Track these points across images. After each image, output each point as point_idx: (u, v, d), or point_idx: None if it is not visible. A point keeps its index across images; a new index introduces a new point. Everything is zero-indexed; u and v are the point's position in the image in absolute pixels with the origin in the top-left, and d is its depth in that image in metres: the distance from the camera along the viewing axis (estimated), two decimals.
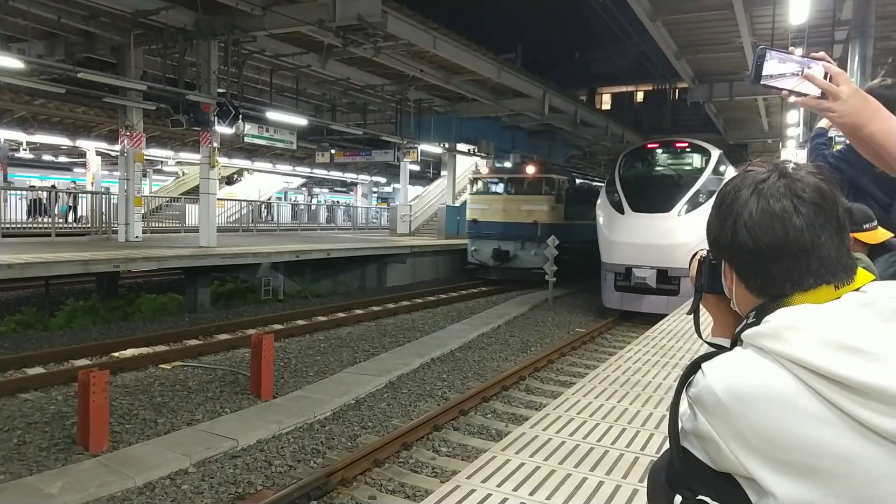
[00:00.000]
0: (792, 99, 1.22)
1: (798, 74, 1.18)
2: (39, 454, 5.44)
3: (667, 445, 0.99)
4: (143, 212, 15.89)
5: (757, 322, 0.88)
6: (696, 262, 1.15)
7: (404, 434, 6.00)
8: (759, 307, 0.91)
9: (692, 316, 1.20)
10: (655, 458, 3.62)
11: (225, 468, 5.33)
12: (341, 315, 12.37)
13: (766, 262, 0.89)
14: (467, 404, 7.07)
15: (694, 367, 0.89)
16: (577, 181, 20.87)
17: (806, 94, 1.18)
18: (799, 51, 1.21)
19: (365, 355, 9.29)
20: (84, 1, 12.02)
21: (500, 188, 19.08)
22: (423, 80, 18.71)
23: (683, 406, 0.91)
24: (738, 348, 0.90)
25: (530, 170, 18.60)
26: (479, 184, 19.57)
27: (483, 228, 18.47)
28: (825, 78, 1.17)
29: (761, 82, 1.19)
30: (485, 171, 20.25)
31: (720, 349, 0.96)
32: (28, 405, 6.65)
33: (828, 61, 1.18)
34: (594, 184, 21.38)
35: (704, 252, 1.11)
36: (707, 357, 0.89)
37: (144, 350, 8.99)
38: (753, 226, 0.89)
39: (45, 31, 14.05)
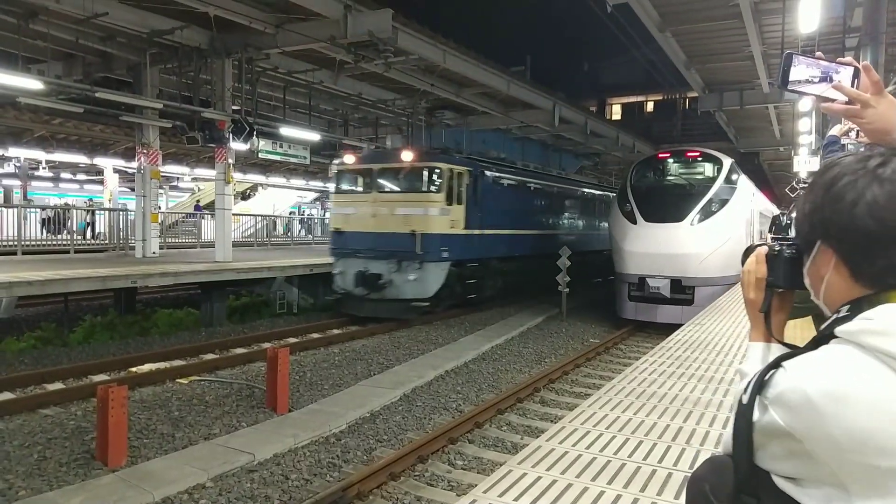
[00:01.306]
0: (820, 105, 1.23)
1: (825, 80, 1.17)
2: (59, 469, 5.50)
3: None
4: (159, 228, 16.10)
5: (850, 317, 0.85)
6: (754, 259, 1.10)
7: (420, 447, 6.00)
8: (855, 302, 0.87)
9: (762, 316, 1.13)
10: (674, 471, 3.62)
11: (242, 482, 5.36)
12: (355, 328, 12.41)
13: (889, 247, 0.85)
14: (482, 417, 7.07)
15: (773, 366, 0.86)
16: (495, 174, 15.44)
17: (833, 100, 1.19)
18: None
19: (379, 368, 9.31)
20: (101, 22, 12.26)
21: (368, 184, 13.68)
22: (433, 94, 18.86)
23: (754, 409, 0.88)
24: (831, 345, 0.86)
25: (406, 156, 13.00)
26: (344, 178, 14.19)
27: (349, 242, 13.34)
28: (853, 85, 1.16)
29: (788, 87, 1.19)
30: (351, 160, 14.23)
31: (795, 349, 0.93)
32: (48, 421, 6.73)
33: (855, 66, 1.18)
34: (540, 182, 18.22)
35: (776, 246, 1.06)
36: (788, 356, 0.86)
37: (162, 365, 9.06)
38: (880, 209, 0.85)
39: (63, 51, 14.35)
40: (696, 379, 5.69)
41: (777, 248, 1.05)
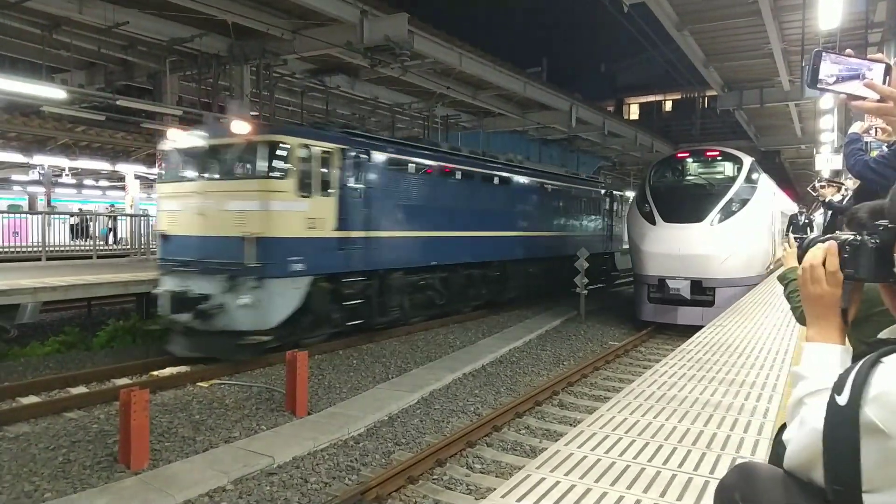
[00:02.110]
0: (851, 103, 1.19)
1: (855, 77, 1.14)
2: (83, 472, 5.59)
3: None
4: None
5: None
6: (821, 252, 1.05)
7: (438, 450, 6.00)
8: None
9: (836, 312, 1.06)
10: (694, 475, 3.58)
11: (262, 485, 5.39)
12: (372, 330, 12.42)
13: None
14: (500, 420, 7.04)
15: (870, 363, 0.82)
16: (393, 156, 11.77)
17: (865, 98, 1.16)
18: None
19: (397, 371, 9.32)
20: (123, 31, 12.47)
21: (196, 168, 9.98)
22: (449, 97, 18.88)
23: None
24: None
25: (238, 129, 9.19)
26: (171, 161, 10.37)
27: (174, 249, 9.94)
28: (883, 82, 1.13)
29: (818, 86, 1.16)
30: (178, 135, 10.28)
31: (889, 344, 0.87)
32: (72, 424, 6.84)
33: (886, 63, 1.15)
34: (477, 170, 14.52)
35: (855, 237, 1.01)
36: (888, 352, 0.81)
37: (182, 368, 9.16)
38: None
39: (85, 61, 14.62)
40: (718, 382, 5.62)
41: (857, 238, 0.99)
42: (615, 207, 22.88)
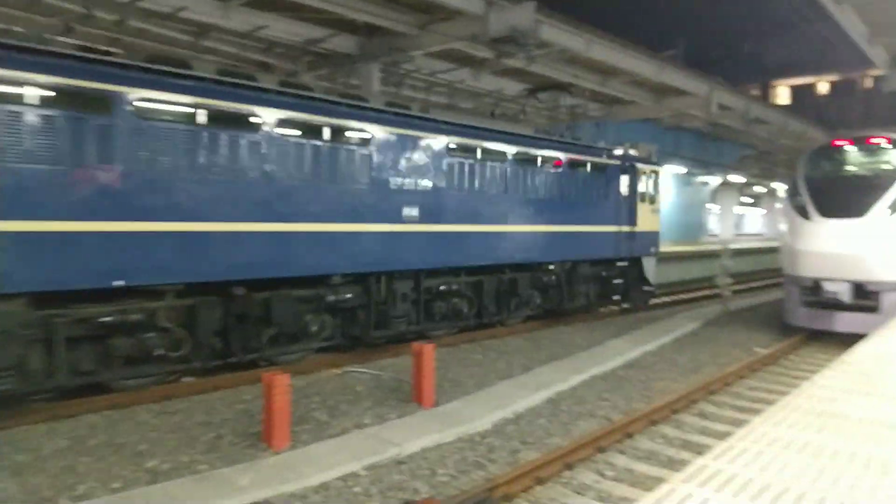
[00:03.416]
0: None
1: None
2: (231, 448, 6.02)
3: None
4: None
5: None
6: None
7: (567, 454, 5.81)
8: None
9: None
10: None
11: (391, 473, 5.51)
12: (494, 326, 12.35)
13: None
14: (633, 427, 6.69)
15: None
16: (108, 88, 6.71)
17: None
18: None
19: (521, 368, 9.19)
20: (262, 35, 13.35)
21: None
22: (576, 86, 18.34)
23: None
24: None
25: None
26: None
27: None
28: None
29: None
30: None
31: None
32: (222, 402, 7.40)
33: None
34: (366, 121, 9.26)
35: None
36: None
37: (318, 355, 9.60)
38: None
39: (227, 63, 15.83)
40: (890, 399, 4.92)
41: None
42: (641, 188, 14.98)
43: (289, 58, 15.27)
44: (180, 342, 7.60)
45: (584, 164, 13.41)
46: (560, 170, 12.69)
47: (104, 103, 6.75)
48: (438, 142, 10.33)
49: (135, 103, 6.93)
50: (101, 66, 6.85)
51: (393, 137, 9.61)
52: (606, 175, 13.97)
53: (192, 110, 7.45)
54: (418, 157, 10.01)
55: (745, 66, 37.25)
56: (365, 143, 9.21)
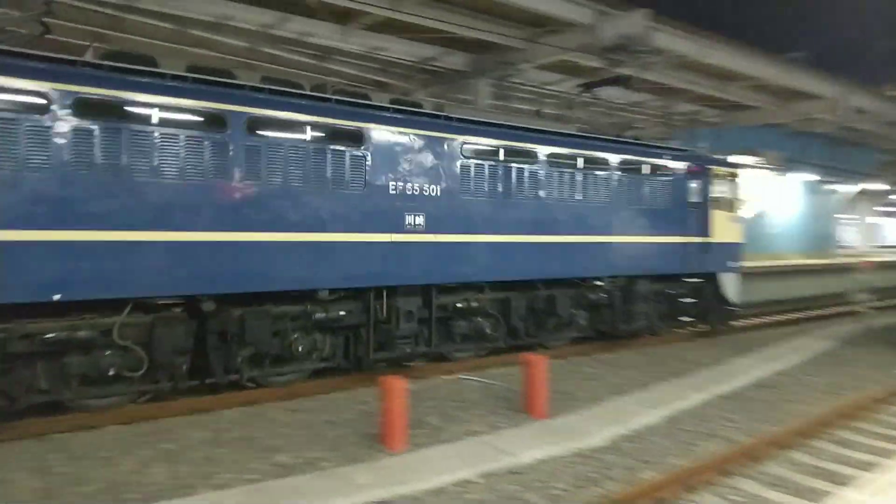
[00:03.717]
0: None
1: None
2: (352, 447, 6.28)
3: None
4: None
5: None
6: None
7: (688, 475, 5.54)
8: None
9: None
10: None
11: (505, 483, 5.52)
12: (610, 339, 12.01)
13: None
14: (760, 451, 6.27)
15: None
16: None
17: None
18: None
19: (635, 384, 8.88)
20: (380, 56, 13.97)
21: None
22: (692, 92, 17.60)
23: None
24: None
25: None
26: None
27: None
28: None
29: None
30: None
31: None
32: (345, 403, 7.74)
33: None
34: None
35: None
36: None
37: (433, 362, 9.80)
38: None
39: (347, 84, 16.67)
40: None
41: None
42: (717, 194, 12.92)
43: (404, 77, 15.86)
44: (140, 361, 7.04)
45: (639, 165, 11.58)
46: (607, 172, 11.01)
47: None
48: (451, 143, 9.16)
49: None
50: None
51: (404, 137, 8.73)
52: (670, 178, 12.10)
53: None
54: (428, 159, 8.94)
55: (883, 65, 33.95)
56: (358, 143, 8.28)
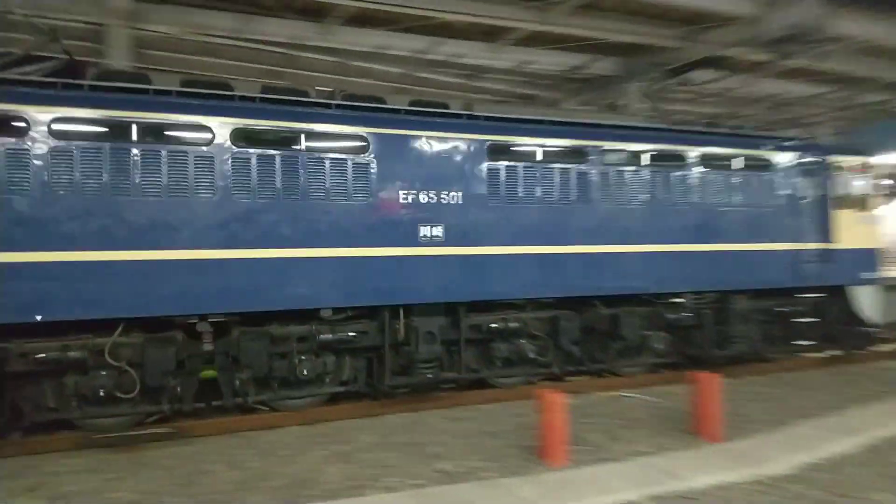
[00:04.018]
0: None
1: None
2: (512, 459, 6.26)
3: None
4: None
5: None
6: None
7: None
8: None
9: None
10: None
11: None
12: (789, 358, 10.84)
13: None
14: None
15: None
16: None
17: None
18: None
19: (826, 407, 7.93)
20: (528, 69, 14.05)
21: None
22: (880, 80, 15.59)
23: None
24: None
25: None
26: None
27: None
28: None
29: None
30: None
31: None
32: (503, 413, 7.76)
33: None
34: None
35: None
36: None
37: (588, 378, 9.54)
38: None
39: (495, 100, 16.91)
40: None
41: None
42: (842, 190, 10.72)
43: (548, 87, 15.81)
44: (134, 382, 6.89)
45: (728, 158, 9.91)
46: (685, 169, 9.54)
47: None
48: (461, 142, 8.23)
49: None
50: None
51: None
52: (775, 172, 10.23)
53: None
54: (443, 161, 8.08)
55: None
56: (363, 150, 7.71)
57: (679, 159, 9.55)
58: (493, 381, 8.85)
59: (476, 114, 8.62)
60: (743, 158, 10.02)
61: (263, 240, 7.19)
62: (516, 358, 8.74)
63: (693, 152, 9.64)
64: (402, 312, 7.93)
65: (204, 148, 7.02)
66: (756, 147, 10.24)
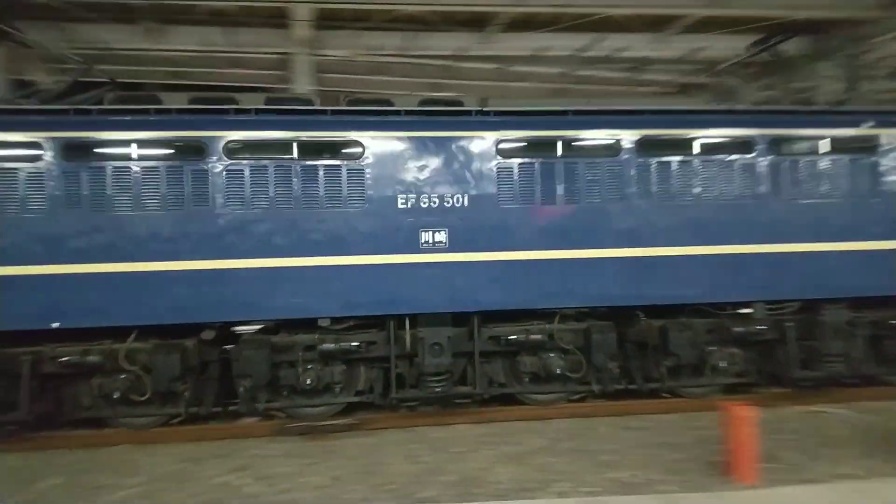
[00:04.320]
0: None
1: None
2: (691, 473, 5.86)
3: None
4: None
5: None
6: None
7: None
8: None
9: None
10: None
11: None
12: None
13: None
14: None
15: None
16: None
17: None
18: None
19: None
20: (699, 57, 13.12)
21: None
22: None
23: None
24: None
25: None
26: None
27: None
28: None
29: None
30: None
31: None
32: (678, 425, 7.32)
33: None
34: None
35: None
36: None
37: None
38: None
39: (667, 92, 15.99)
40: None
41: None
42: None
43: (726, 73, 14.65)
44: (147, 386, 7.27)
45: (799, 140, 8.15)
46: (740, 155, 7.98)
47: None
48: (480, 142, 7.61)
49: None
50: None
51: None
52: (867, 155, 8.23)
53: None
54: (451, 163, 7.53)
55: None
56: (355, 156, 7.46)
57: (734, 147, 8.04)
58: (523, 397, 8.18)
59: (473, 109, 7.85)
60: (826, 140, 8.23)
61: (259, 249, 7.23)
62: (544, 373, 7.90)
63: (752, 134, 8.07)
64: (407, 322, 7.64)
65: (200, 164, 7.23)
66: (842, 124, 8.32)
